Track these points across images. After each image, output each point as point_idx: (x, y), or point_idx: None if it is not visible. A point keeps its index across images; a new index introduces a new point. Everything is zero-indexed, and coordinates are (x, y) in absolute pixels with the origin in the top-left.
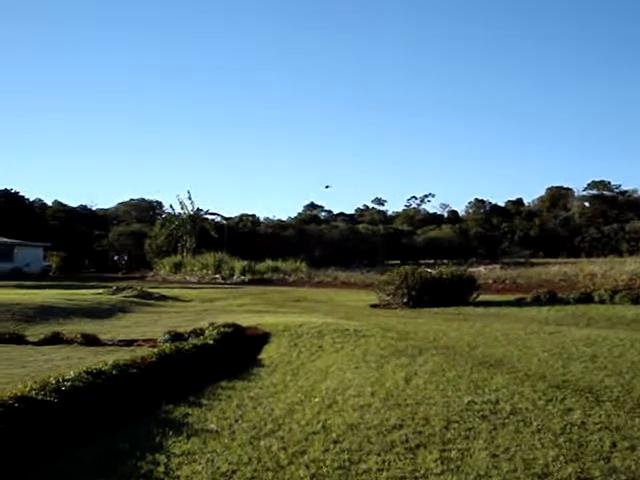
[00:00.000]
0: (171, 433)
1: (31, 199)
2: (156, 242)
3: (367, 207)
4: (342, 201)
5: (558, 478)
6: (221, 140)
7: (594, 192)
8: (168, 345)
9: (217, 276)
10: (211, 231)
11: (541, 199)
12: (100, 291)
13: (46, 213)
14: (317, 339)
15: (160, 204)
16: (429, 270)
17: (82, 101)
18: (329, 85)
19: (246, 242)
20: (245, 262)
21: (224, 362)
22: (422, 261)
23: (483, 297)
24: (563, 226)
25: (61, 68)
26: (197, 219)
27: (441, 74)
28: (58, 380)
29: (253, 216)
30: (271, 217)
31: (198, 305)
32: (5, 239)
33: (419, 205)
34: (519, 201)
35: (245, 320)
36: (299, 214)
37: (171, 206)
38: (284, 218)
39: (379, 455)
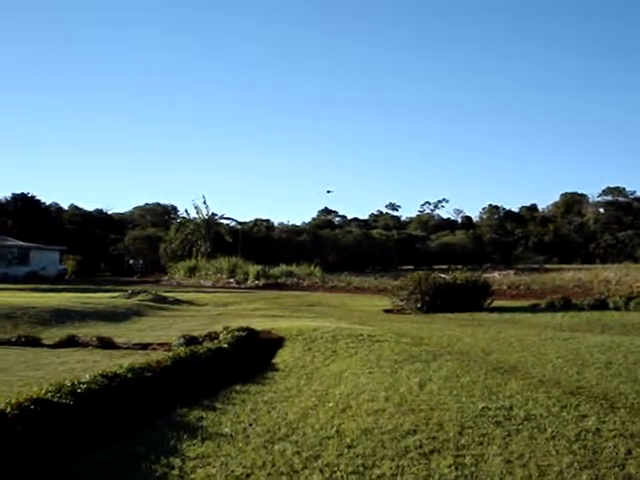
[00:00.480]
0: (185, 436)
1: (47, 203)
2: (171, 246)
3: (381, 212)
4: (356, 206)
5: None
6: (237, 146)
7: (609, 198)
8: (183, 349)
9: (231, 280)
10: (226, 236)
11: (555, 205)
12: (115, 295)
13: (62, 217)
14: (331, 344)
15: (175, 208)
16: (443, 275)
17: (100, 105)
18: (345, 89)
19: (260, 247)
20: (259, 267)
21: (238, 366)
22: (436, 266)
23: (497, 303)
24: (577, 232)
25: (79, 68)
26: (212, 224)
27: (458, 80)
28: (74, 383)
29: (267, 221)
30: (285, 222)
31: (212, 309)
32: (21, 243)
33: (433, 210)
34: (533, 207)
35: (259, 324)
36: (313, 219)
37: (186, 210)
38: (298, 223)
39: (393, 460)
